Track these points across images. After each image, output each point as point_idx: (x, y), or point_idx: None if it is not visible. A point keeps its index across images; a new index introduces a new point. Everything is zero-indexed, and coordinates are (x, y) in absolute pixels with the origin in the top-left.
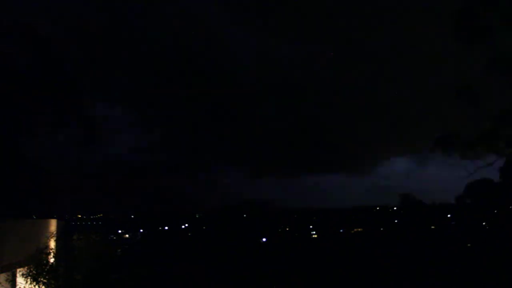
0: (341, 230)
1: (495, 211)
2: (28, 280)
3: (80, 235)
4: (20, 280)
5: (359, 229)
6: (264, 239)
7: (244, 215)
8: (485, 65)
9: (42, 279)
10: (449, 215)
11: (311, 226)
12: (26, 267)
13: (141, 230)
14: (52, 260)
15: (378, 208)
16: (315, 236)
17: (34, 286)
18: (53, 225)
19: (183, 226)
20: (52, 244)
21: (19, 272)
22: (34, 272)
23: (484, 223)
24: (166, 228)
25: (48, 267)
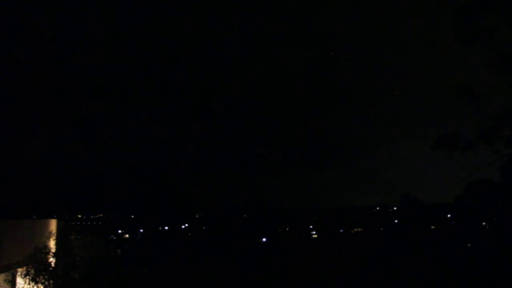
0: (341, 230)
1: (495, 211)
2: (27, 280)
3: (78, 235)
4: (19, 280)
5: (359, 229)
6: (264, 239)
7: (244, 215)
8: (486, 65)
9: (40, 279)
10: (449, 215)
11: (311, 226)
12: (25, 267)
13: (141, 230)
14: (51, 260)
15: (378, 208)
16: (315, 236)
17: (33, 286)
18: (53, 225)
19: (183, 226)
20: (52, 244)
21: (19, 272)
22: (32, 272)
23: (484, 223)
24: (166, 228)
25: (46, 267)
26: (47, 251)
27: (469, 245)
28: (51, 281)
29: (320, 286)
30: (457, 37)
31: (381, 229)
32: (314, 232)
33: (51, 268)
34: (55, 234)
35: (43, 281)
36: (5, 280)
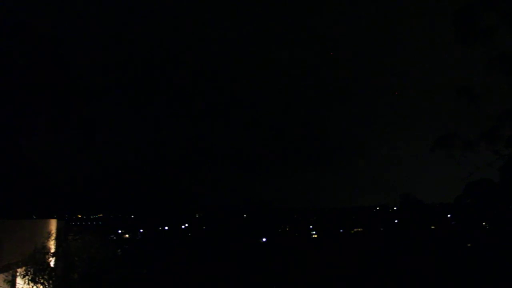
0: (341, 230)
1: (495, 211)
2: (26, 280)
3: (76, 235)
4: (18, 280)
5: (359, 229)
6: (264, 239)
7: (244, 215)
8: (486, 65)
9: (39, 279)
10: (449, 215)
11: (311, 226)
12: (24, 268)
13: (141, 230)
14: (50, 260)
15: (378, 208)
16: (315, 236)
17: (32, 286)
18: (52, 225)
19: (183, 226)
20: (52, 244)
21: (18, 272)
22: (32, 272)
23: (484, 223)
24: (166, 228)
25: (46, 267)
26: (46, 251)
27: (469, 245)
28: (50, 282)
29: (320, 286)
30: (457, 37)
31: (381, 229)
32: (314, 232)
33: (50, 268)
34: (54, 234)
35: (42, 281)
36: (4, 281)
